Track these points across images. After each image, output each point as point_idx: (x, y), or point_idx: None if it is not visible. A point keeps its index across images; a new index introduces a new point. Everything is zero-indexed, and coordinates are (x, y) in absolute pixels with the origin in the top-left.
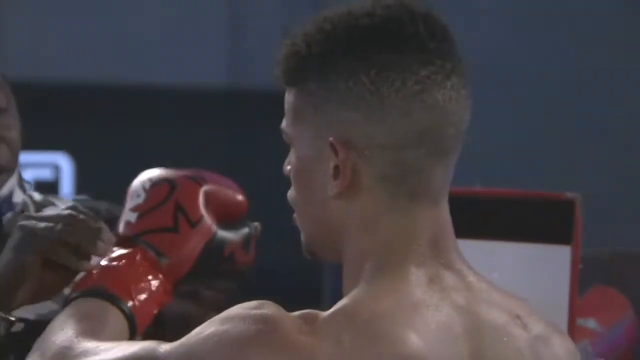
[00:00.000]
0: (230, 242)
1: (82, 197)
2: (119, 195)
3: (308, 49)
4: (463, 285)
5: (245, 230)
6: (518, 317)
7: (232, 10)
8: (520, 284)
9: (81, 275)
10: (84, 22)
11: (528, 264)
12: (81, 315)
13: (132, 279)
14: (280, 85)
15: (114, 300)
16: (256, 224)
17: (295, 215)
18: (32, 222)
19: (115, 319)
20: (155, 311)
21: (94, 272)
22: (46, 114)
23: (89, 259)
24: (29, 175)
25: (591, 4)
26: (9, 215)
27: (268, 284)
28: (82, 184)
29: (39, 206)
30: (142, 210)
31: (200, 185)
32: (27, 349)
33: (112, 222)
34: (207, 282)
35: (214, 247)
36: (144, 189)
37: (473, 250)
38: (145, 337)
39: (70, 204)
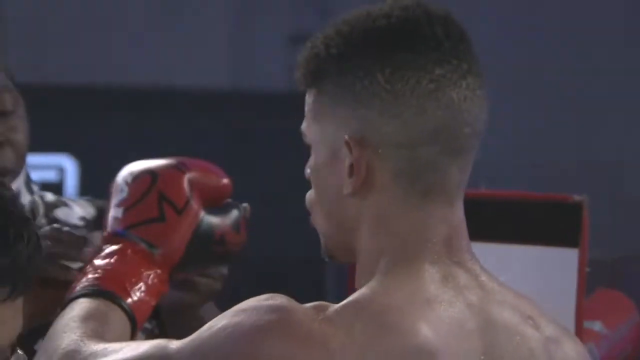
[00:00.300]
0: (220, 225)
1: (86, 198)
2: None
3: (327, 51)
4: (476, 285)
5: (234, 211)
6: (530, 317)
7: (236, 13)
8: (527, 286)
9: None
10: (88, 25)
11: (535, 267)
12: (83, 316)
13: (126, 274)
14: (301, 89)
15: (113, 298)
16: (245, 204)
17: (312, 217)
18: None
19: (117, 317)
20: (153, 303)
21: (88, 272)
22: (50, 115)
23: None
24: (33, 177)
25: (591, 4)
26: None
27: (267, 282)
28: (86, 185)
29: (51, 207)
30: (127, 205)
31: (183, 172)
32: (29, 353)
33: None
34: (201, 269)
35: (203, 231)
36: (126, 183)
37: (479, 253)
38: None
39: (84, 204)
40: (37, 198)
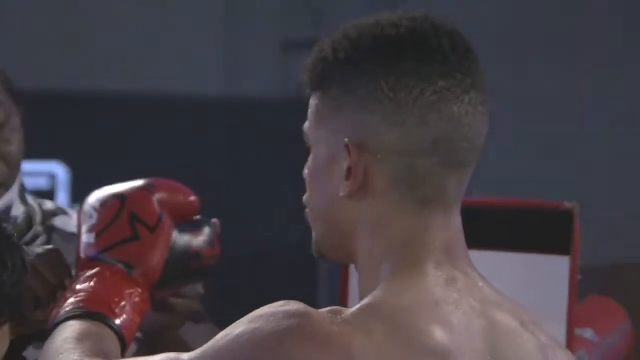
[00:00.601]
0: (194, 241)
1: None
2: None
3: (334, 55)
4: (476, 290)
5: (206, 227)
6: (526, 324)
7: (229, 20)
8: (518, 294)
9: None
10: (81, 32)
11: (526, 275)
12: (77, 337)
13: (109, 295)
14: (307, 91)
15: (102, 319)
16: (214, 220)
17: (307, 214)
18: None
19: (109, 337)
20: (138, 321)
21: (69, 297)
22: (42, 123)
23: (60, 287)
24: (25, 184)
25: (590, 6)
26: None
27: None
28: (78, 193)
29: (49, 215)
30: (99, 229)
31: (151, 193)
32: None
33: None
34: (179, 285)
35: (179, 247)
36: (94, 209)
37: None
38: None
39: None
40: (35, 206)
